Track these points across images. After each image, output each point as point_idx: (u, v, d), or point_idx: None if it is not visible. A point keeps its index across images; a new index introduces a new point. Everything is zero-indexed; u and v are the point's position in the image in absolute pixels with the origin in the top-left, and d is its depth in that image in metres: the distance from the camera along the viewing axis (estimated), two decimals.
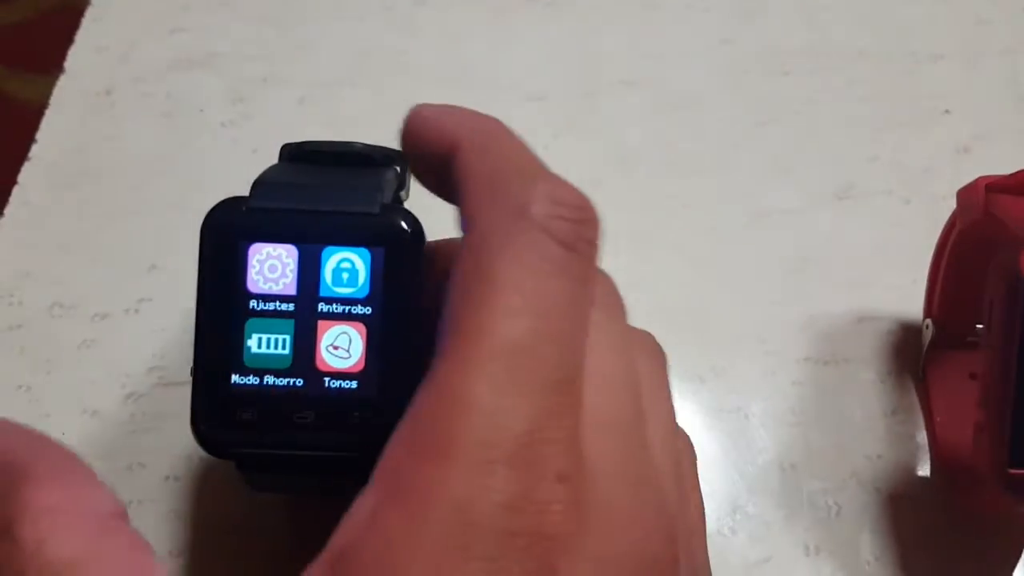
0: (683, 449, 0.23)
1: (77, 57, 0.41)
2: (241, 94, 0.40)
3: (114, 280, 0.35)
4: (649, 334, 0.24)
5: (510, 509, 0.17)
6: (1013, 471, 0.25)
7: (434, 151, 0.22)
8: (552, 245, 0.19)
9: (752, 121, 0.39)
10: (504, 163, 0.21)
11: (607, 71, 0.41)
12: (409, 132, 0.23)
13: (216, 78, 0.40)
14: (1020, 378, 0.25)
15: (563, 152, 0.38)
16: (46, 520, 0.18)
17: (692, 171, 0.38)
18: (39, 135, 0.39)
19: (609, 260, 0.35)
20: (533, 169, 0.21)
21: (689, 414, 0.33)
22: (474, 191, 0.21)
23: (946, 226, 0.32)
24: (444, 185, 0.22)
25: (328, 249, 0.23)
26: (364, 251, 0.23)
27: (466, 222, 0.20)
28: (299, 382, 0.23)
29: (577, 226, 0.19)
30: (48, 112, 0.40)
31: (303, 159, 0.26)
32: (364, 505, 0.18)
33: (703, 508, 0.24)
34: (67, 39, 0.42)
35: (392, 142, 0.26)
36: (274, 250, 0.23)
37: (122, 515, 0.19)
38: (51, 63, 0.41)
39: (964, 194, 0.30)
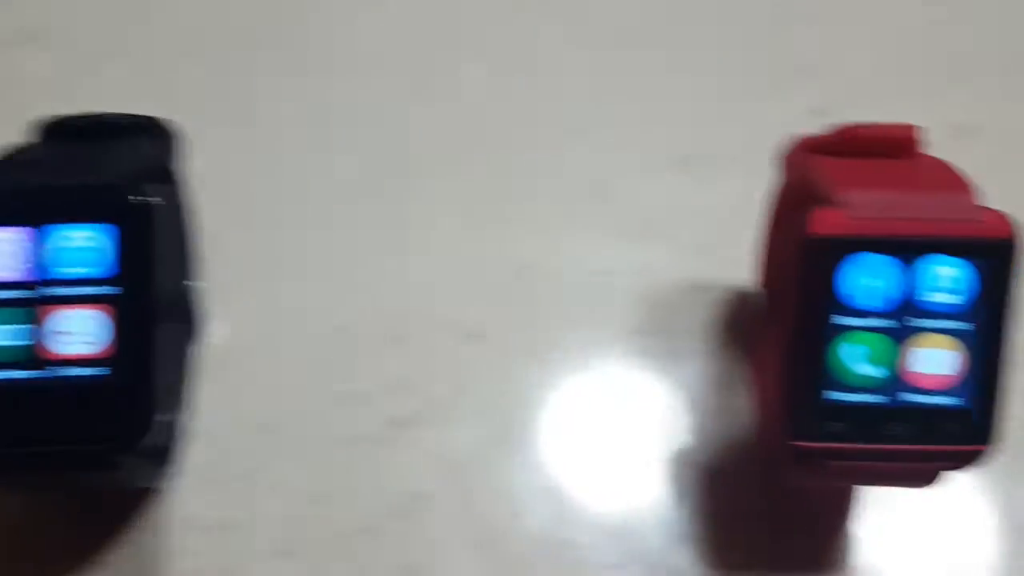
0: None
1: None
2: None
3: None
4: None
5: None
6: (797, 443, 0.24)
7: None
8: None
9: (600, 89, 0.38)
10: None
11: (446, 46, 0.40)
12: None
13: None
14: (801, 347, 0.24)
15: (408, 124, 0.37)
16: None
17: (535, 143, 0.37)
18: None
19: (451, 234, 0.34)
20: None
21: (524, 388, 0.32)
22: None
23: (774, 191, 0.31)
24: None
25: (59, 227, 0.22)
26: (98, 227, 0.22)
27: None
28: (30, 374, 0.22)
29: None
30: None
31: (55, 134, 0.24)
32: None
33: None
34: None
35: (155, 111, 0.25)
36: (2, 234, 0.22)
37: None
38: None
39: (788, 155, 0.29)
